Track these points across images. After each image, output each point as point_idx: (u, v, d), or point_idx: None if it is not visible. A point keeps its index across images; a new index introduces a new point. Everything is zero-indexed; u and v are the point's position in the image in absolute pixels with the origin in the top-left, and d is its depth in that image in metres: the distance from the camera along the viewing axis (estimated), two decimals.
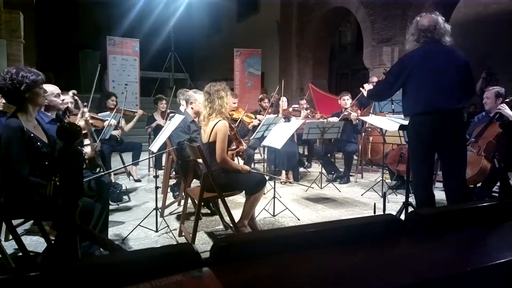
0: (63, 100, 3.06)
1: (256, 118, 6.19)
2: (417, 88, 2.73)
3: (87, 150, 2.65)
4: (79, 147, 2.67)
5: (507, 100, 4.03)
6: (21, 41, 6.68)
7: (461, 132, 2.86)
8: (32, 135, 2.22)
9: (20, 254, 2.59)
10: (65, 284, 0.55)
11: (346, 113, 5.59)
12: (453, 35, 2.83)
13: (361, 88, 3.56)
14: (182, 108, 4.63)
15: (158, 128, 5.75)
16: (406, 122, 3.36)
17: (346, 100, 5.70)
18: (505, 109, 3.92)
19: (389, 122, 3.94)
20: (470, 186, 3.97)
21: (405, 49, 3.07)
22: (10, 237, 2.95)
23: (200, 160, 3.19)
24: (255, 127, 5.66)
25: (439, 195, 3.43)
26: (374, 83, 5.88)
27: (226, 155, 3.04)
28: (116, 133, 5.40)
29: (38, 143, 2.24)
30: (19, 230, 2.90)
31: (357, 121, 5.57)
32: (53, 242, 2.47)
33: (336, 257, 0.72)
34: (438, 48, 2.78)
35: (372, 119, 4.55)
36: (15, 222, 2.41)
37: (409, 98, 2.82)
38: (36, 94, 2.26)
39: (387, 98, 3.49)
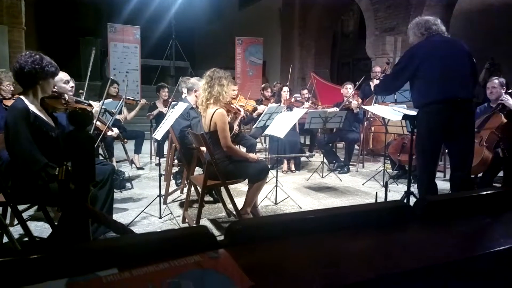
0: (72, 87, 3.08)
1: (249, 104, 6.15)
2: (429, 77, 2.71)
3: None
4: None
5: (510, 91, 4.04)
6: (22, 28, 6.64)
7: (472, 122, 2.86)
8: (37, 117, 2.24)
9: (26, 239, 2.62)
10: (88, 263, 0.57)
11: (347, 102, 5.59)
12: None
13: (370, 83, 3.56)
14: (184, 96, 4.62)
15: (160, 115, 5.75)
16: (409, 112, 3.36)
17: (349, 89, 5.69)
18: (508, 100, 3.93)
19: (392, 112, 3.93)
20: (471, 176, 4.00)
21: (409, 40, 3.05)
22: (15, 222, 2.98)
23: (203, 148, 3.20)
24: (260, 115, 5.65)
25: (440, 184, 3.45)
26: (378, 72, 5.90)
27: (231, 142, 3.04)
28: (120, 117, 5.41)
29: (45, 126, 2.26)
30: (23, 216, 2.93)
31: (358, 109, 5.57)
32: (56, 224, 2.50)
33: (347, 241, 0.74)
34: (443, 39, 2.80)
35: (376, 109, 4.54)
36: (19, 208, 2.43)
37: (420, 89, 2.79)
38: (49, 84, 2.39)
39: (396, 91, 3.47)
